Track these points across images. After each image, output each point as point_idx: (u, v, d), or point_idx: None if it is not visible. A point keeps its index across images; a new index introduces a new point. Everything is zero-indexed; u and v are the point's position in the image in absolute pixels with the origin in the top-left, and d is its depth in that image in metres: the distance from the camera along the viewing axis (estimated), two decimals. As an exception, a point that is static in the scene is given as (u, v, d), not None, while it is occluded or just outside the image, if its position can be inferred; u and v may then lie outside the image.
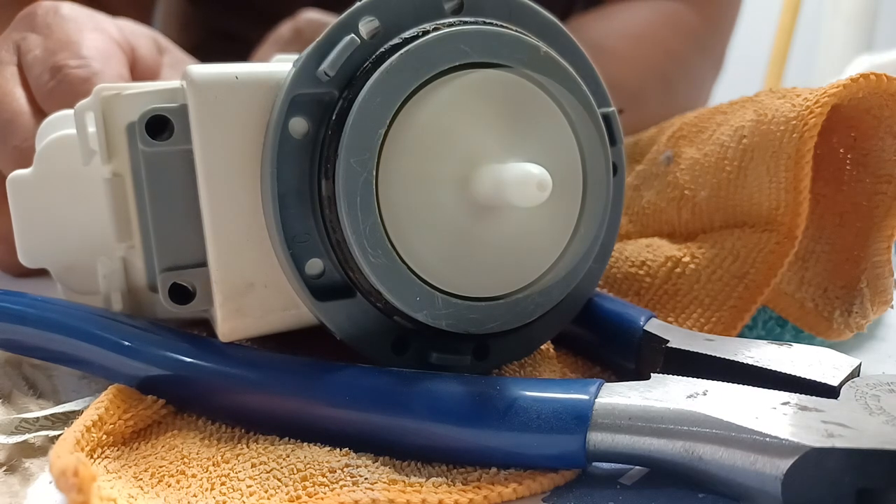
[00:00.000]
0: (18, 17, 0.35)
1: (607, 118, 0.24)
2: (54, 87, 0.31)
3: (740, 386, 0.19)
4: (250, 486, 0.19)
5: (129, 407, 0.21)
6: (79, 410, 0.23)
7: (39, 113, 0.32)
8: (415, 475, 0.19)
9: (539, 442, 0.19)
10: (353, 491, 0.18)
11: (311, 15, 0.47)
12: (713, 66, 0.64)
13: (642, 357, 0.24)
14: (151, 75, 0.37)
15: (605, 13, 0.59)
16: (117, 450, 0.21)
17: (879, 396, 0.18)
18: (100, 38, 0.33)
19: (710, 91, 0.66)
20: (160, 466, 0.20)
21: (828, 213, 0.27)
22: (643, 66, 0.55)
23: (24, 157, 0.30)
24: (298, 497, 0.18)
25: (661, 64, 0.57)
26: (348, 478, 0.19)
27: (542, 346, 0.26)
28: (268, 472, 0.19)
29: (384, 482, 0.19)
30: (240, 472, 0.20)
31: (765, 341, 0.22)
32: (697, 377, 0.20)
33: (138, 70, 0.36)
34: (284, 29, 0.48)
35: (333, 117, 0.21)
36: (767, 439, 0.17)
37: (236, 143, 0.21)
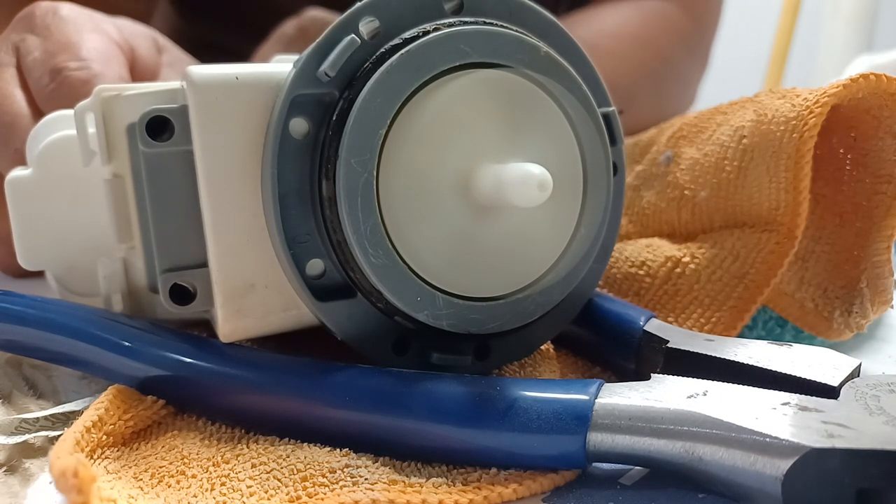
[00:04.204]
0: (17, 19, 0.34)
1: (607, 118, 0.24)
2: (54, 90, 0.31)
3: (740, 386, 0.19)
4: (250, 487, 0.19)
5: (129, 407, 0.21)
6: (79, 411, 0.23)
7: (39, 115, 0.31)
8: (415, 475, 0.19)
9: (539, 442, 0.19)
10: (354, 491, 0.18)
11: (315, 13, 0.47)
12: (700, 66, 0.64)
13: (642, 357, 0.24)
14: (151, 75, 0.37)
15: (594, 13, 0.59)
16: (117, 450, 0.21)
17: (879, 397, 0.18)
18: (99, 40, 0.33)
19: (697, 91, 0.66)
20: (160, 467, 0.20)
21: (828, 213, 0.27)
22: (634, 66, 0.55)
23: (25, 159, 0.30)
24: (298, 497, 0.18)
25: (652, 64, 0.57)
26: (348, 478, 0.19)
27: (542, 347, 0.26)
28: (268, 473, 0.19)
29: (384, 482, 0.19)
30: (240, 472, 0.20)
31: (765, 341, 0.22)
32: (697, 377, 0.20)
33: (138, 70, 0.36)
34: (288, 27, 0.48)
35: (334, 118, 0.21)
36: (767, 440, 0.17)
37: (237, 143, 0.21)
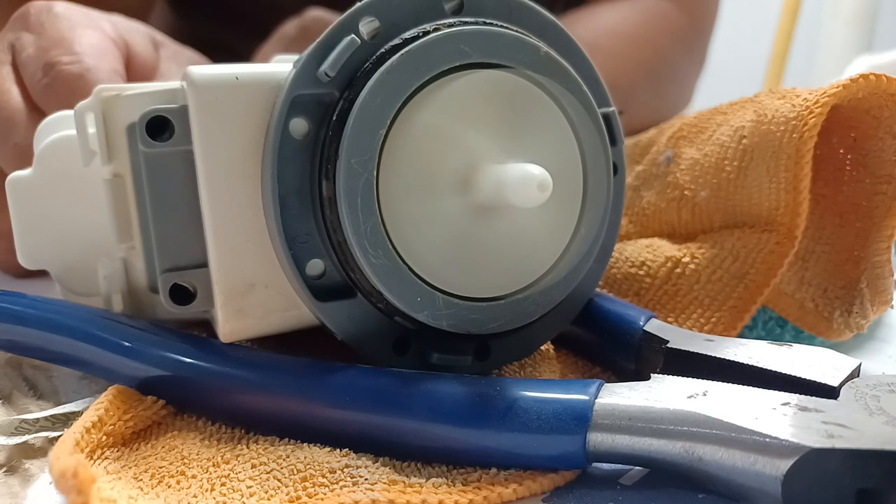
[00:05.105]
0: (13, 18, 0.35)
1: (607, 118, 0.24)
2: (48, 84, 0.31)
3: (740, 386, 0.19)
4: (250, 487, 0.19)
5: (129, 408, 0.21)
6: (79, 411, 0.23)
7: (35, 110, 0.32)
8: (415, 476, 0.19)
9: (539, 442, 0.19)
10: (353, 492, 0.18)
11: (316, 13, 0.47)
12: (698, 65, 0.64)
13: (642, 357, 0.24)
14: (148, 70, 0.37)
15: (592, 12, 0.59)
16: (117, 451, 0.21)
17: (879, 397, 0.18)
18: (93, 35, 0.34)
19: (694, 90, 0.66)
20: (160, 467, 0.20)
21: (828, 213, 0.27)
22: (633, 65, 0.55)
23: (24, 154, 0.30)
24: (298, 498, 0.18)
25: (651, 63, 0.57)
26: (348, 478, 0.19)
27: (542, 347, 0.26)
28: (268, 473, 0.19)
29: (384, 483, 0.19)
30: (240, 472, 0.20)
31: (765, 341, 0.22)
32: (697, 377, 0.20)
33: (134, 66, 0.36)
34: (290, 27, 0.48)
35: (334, 118, 0.21)
36: (767, 440, 0.17)
37: (237, 143, 0.21)
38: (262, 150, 0.21)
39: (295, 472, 0.19)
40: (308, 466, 0.19)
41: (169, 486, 0.19)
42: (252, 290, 0.22)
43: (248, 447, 0.21)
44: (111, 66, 0.33)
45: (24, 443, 0.21)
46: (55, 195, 0.27)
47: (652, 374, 0.20)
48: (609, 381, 0.20)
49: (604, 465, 0.20)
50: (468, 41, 0.21)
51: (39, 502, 0.19)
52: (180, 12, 0.67)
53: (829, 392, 0.19)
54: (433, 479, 0.19)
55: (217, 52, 0.46)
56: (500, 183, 0.20)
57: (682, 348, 0.22)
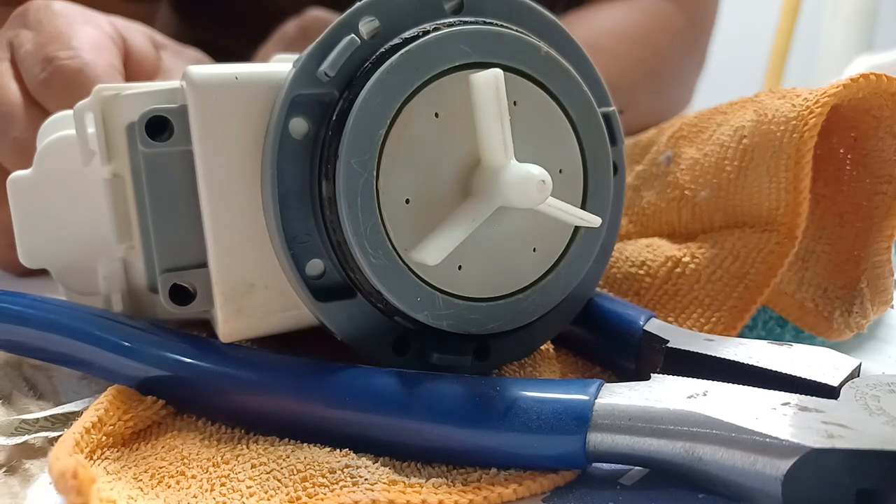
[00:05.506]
0: (12, 16, 0.35)
1: (607, 118, 0.24)
2: (46, 79, 0.32)
3: (740, 386, 0.19)
4: (250, 487, 0.19)
5: (129, 408, 0.21)
6: (79, 411, 0.23)
7: (34, 105, 0.32)
8: (415, 476, 0.19)
9: (539, 442, 0.19)
10: (353, 492, 0.18)
11: (317, 13, 0.47)
12: (698, 65, 0.64)
13: (642, 357, 0.24)
14: (147, 68, 0.37)
15: (592, 12, 0.59)
16: (117, 451, 0.21)
17: (879, 397, 0.18)
18: (91, 31, 0.34)
19: (694, 89, 0.66)
20: (160, 467, 0.20)
21: (828, 213, 0.27)
22: (634, 65, 0.55)
23: (24, 148, 0.31)
24: (298, 498, 0.18)
25: (651, 63, 0.57)
26: (348, 478, 0.19)
27: (542, 347, 0.26)
28: (268, 473, 0.19)
29: (384, 483, 0.19)
30: (240, 472, 0.20)
31: (765, 341, 0.22)
32: (697, 377, 0.20)
33: (132, 63, 0.36)
34: (290, 27, 0.48)
35: (334, 118, 0.21)
36: (767, 440, 0.17)
37: (236, 143, 0.21)
38: (261, 150, 0.21)
39: (295, 472, 0.19)
40: (308, 466, 0.19)
41: (169, 487, 0.19)
42: (252, 290, 0.22)
43: (248, 447, 0.21)
44: (109, 62, 0.33)
45: (24, 443, 0.21)
46: (55, 195, 0.27)
47: (652, 374, 0.20)
48: (609, 381, 0.20)
49: (604, 465, 0.20)
50: (468, 41, 0.21)
51: (39, 502, 0.19)
52: (183, 17, 0.68)
53: (829, 392, 0.19)
54: (433, 479, 0.19)
55: (220, 56, 0.46)
56: (500, 183, 0.20)
57: (682, 348, 0.22)
